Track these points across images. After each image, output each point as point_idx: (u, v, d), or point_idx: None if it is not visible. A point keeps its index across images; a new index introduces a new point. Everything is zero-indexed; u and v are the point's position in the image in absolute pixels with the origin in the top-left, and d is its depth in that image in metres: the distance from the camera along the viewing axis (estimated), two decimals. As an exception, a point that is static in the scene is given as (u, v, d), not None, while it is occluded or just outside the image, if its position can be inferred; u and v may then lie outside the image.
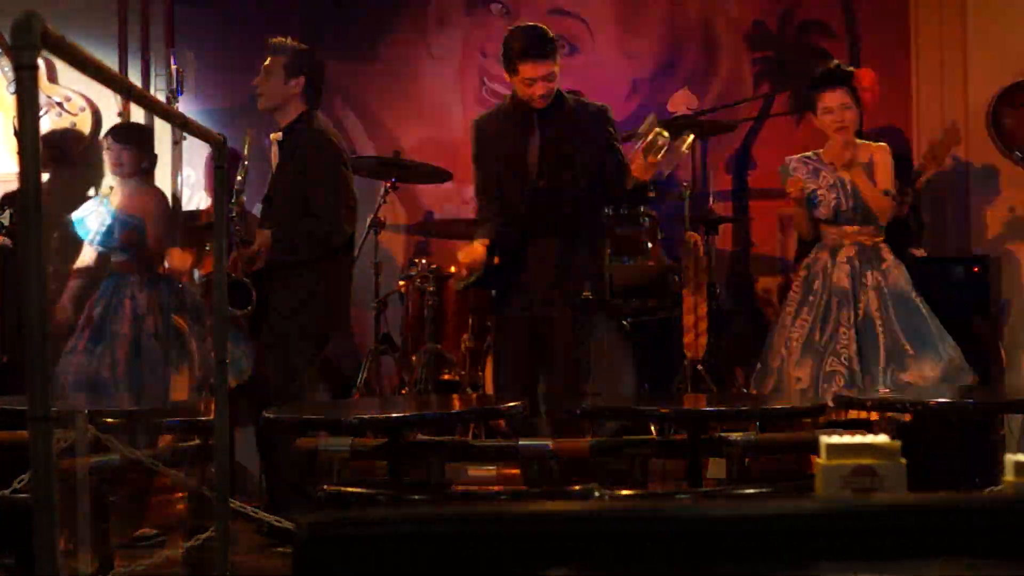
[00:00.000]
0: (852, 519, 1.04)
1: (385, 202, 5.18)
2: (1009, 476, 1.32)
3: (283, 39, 4.39)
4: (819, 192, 4.34)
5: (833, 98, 4.29)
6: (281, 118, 4.35)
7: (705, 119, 5.33)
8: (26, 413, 1.47)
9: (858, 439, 1.42)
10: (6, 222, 5.02)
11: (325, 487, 3.06)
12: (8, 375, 4.89)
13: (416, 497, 3.03)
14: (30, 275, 1.46)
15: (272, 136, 4.37)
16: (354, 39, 5.95)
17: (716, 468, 4.15)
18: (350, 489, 3.09)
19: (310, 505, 3.79)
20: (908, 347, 4.16)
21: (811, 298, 4.29)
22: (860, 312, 4.21)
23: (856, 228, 4.32)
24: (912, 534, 1.03)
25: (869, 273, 4.26)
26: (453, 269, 4.27)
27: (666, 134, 3.94)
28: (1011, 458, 1.34)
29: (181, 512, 4.17)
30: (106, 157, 4.84)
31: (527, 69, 4.06)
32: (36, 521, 1.46)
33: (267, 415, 3.32)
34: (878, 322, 4.18)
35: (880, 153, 4.36)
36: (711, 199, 5.53)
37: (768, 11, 5.86)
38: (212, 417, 2.61)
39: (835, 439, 1.42)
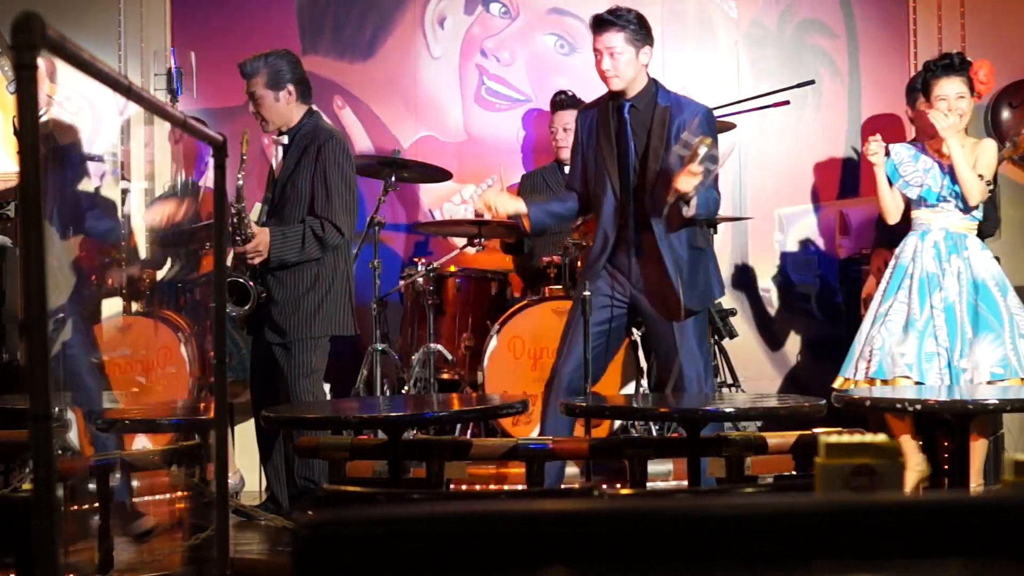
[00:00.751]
0: (852, 519, 1.04)
1: (385, 202, 5.17)
2: (1009, 476, 1.32)
3: (250, 59, 4.35)
4: (914, 174, 4.37)
5: (950, 86, 4.31)
6: (287, 127, 4.36)
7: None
8: (26, 413, 1.47)
9: (858, 439, 1.42)
10: (11, 213, 5.01)
11: (325, 487, 3.06)
12: (8, 375, 4.89)
13: (416, 497, 3.03)
14: (30, 275, 1.46)
15: (273, 138, 4.37)
16: (354, 39, 5.95)
17: (716, 468, 4.15)
18: (350, 489, 3.08)
19: (310, 505, 3.79)
20: (969, 331, 4.18)
21: (905, 281, 4.30)
22: (944, 299, 4.23)
23: (946, 213, 4.34)
24: (912, 534, 1.03)
25: (953, 258, 4.28)
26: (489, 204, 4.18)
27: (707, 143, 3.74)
28: (1011, 458, 1.34)
29: (181, 512, 4.17)
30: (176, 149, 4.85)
31: (594, 41, 4.08)
32: (36, 521, 1.46)
33: (267, 414, 3.32)
34: (957, 310, 4.20)
35: (987, 146, 4.40)
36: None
37: (767, 10, 5.86)
38: (212, 417, 2.61)
39: (835, 439, 1.42)
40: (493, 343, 4.93)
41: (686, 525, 1.04)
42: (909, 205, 4.46)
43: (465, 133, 5.90)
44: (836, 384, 4.41)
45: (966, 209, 4.33)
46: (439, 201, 5.89)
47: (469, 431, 4.90)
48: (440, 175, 5.36)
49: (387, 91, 5.96)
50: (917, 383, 4.13)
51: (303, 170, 4.27)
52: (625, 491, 3.59)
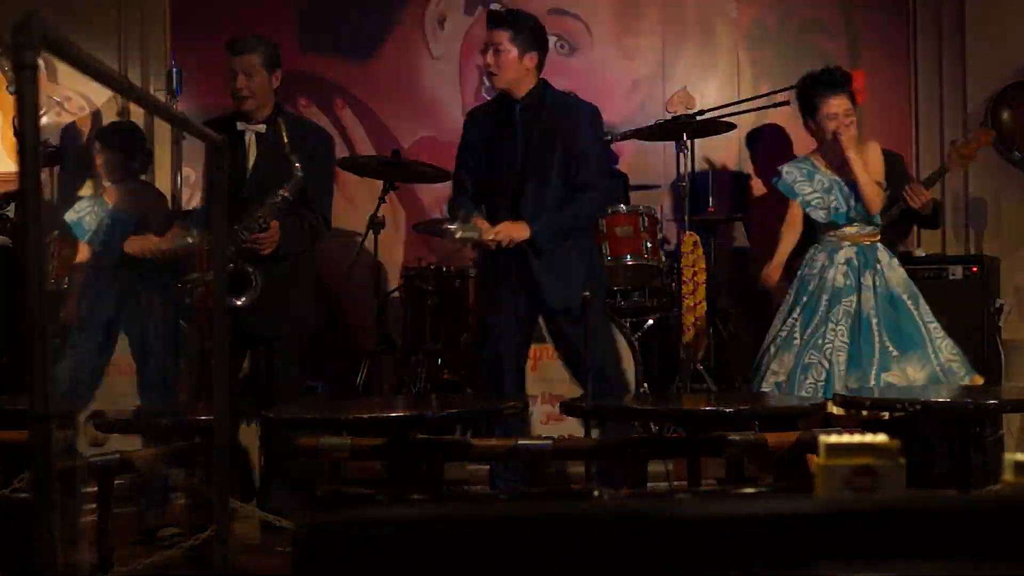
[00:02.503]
0: (852, 519, 1.04)
1: (385, 202, 5.17)
2: (1009, 476, 1.32)
3: (252, 36, 4.36)
4: (814, 195, 4.34)
5: (838, 104, 4.27)
6: (260, 113, 4.34)
7: (704, 119, 5.33)
8: (26, 413, 1.47)
9: (858, 439, 1.42)
10: (11, 213, 4.99)
11: (325, 487, 3.06)
12: (8, 375, 4.89)
13: (416, 497, 3.03)
14: (30, 275, 1.46)
15: (243, 124, 4.32)
16: (354, 39, 5.95)
17: (716, 468, 4.15)
18: (350, 489, 3.08)
19: (310, 505, 3.79)
20: (892, 348, 4.17)
21: (804, 299, 4.29)
22: (854, 312, 4.21)
23: (855, 229, 4.32)
24: (912, 534, 1.03)
25: (867, 273, 4.27)
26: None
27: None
28: (1011, 458, 1.34)
29: (181, 512, 4.17)
30: (96, 160, 4.77)
31: (485, 35, 4.18)
32: (36, 521, 1.46)
33: (267, 414, 3.33)
34: (873, 322, 4.18)
35: (872, 149, 4.36)
36: (711, 199, 5.53)
37: (767, 11, 5.86)
38: (212, 417, 2.61)
39: (835, 439, 1.42)
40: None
41: (686, 526, 1.04)
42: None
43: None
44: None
45: (870, 220, 4.32)
46: (439, 201, 5.89)
47: (469, 431, 4.90)
48: (440, 175, 5.36)
49: (387, 91, 5.96)
50: None
51: (296, 160, 4.27)
52: (625, 492, 3.59)
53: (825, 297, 4.24)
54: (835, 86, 4.28)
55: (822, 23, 5.84)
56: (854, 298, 4.23)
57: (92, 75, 1.72)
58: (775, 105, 5.51)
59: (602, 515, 1.05)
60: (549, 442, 3.54)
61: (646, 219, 5.01)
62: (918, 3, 5.74)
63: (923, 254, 5.20)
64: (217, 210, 2.55)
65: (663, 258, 5.12)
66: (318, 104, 5.94)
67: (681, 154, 5.24)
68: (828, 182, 4.33)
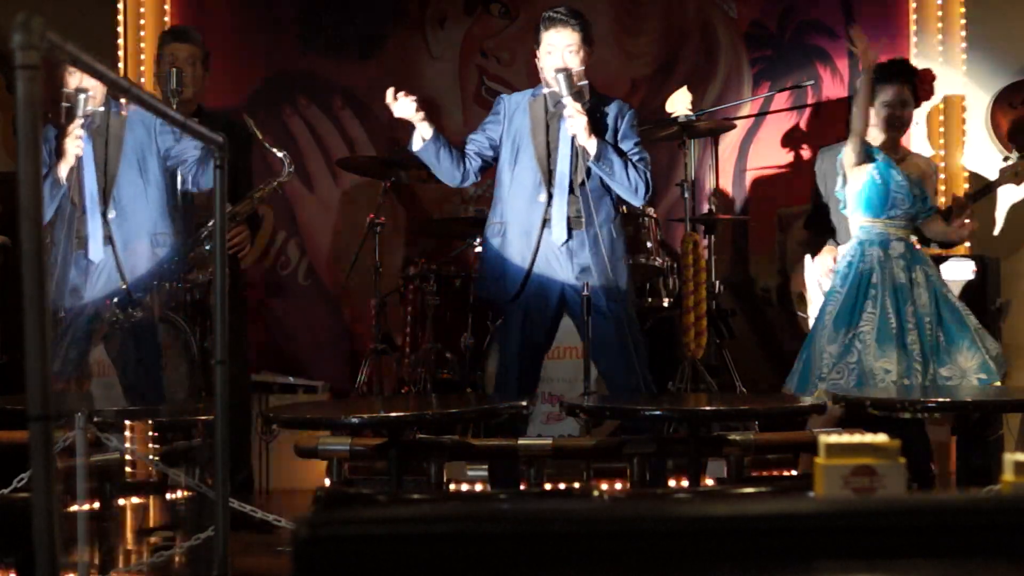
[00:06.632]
0: (852, 519, 1.04)
1: (385, 202, 5.17)
2: (1009, 476, 1.32)
3: (191, 27, 4.36)
4: (899, 187, 4.24)
5: (897, 92, 4.20)
6: (187, 109, 4.32)
7: (704, 119, 5.33)
8: (26, 413, 1.47)
9: (858, 439, 1.42)
10: None
11: (325, 487, 3.06)
12: (8, 375, 4.89)
13: (416, 497, 3.03)
14: (30, 275, 1.46)
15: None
16: (354, 39, 5.94)
17: (716, 468, 4.15)
18: (350, 489, 3.08)
19: (310, 505, 3.79)
20: (943, 339, 4.10)
21: (872, 291, 4.14)
22: (916, 311, 4.15)
23: (904, 223, 4.25)
24: (912, 534, 1.03)
25: (918, 267, 4.18)
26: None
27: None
28: (1011, 458, 1.34)
29: (181, 512, 4.17)
30: None
31: (551, 38, 4.05)
32: (36, 521, 1.46)
33: (267, 414, 3.33)
34: (927, 321, 4.10)
35: (927, 165, 4.36)
36: (712, 199, 5.53)
37: (767, 11, 5.86)
38: (212, 416, 2.61)
39: (835, 439, 1.42)
40: (493, 343, 4.93)
41: (686, 526, 1.04)
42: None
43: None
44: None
45: (917, 217, 4.29)
46: (439, 201, 5.88)
47: (470, 431, 4.91)
48: (440, 175, 5.35)
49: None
50: None
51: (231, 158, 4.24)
52: (625, 491, 3.60)
53: (896, 293, 4.12)
54: (898, 75, 4.21)
55: (822, 23, 5.84)
56: (913, 297, 4.12)
57: (92, 75, 1.72)
58: (772, 94, 5.52)
59: (602, 515, 1.05)
60: (549, 442, 3.55)
61: (647, 219, 5.01)
62: (918, 3, 5.74)
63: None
64: (219, 211, 2.55)
65: (664, 258, 5.13)
66: (318, 104, 5.94)
67: (681, 154, 5.24)
68: (900, 176, 4.22)
